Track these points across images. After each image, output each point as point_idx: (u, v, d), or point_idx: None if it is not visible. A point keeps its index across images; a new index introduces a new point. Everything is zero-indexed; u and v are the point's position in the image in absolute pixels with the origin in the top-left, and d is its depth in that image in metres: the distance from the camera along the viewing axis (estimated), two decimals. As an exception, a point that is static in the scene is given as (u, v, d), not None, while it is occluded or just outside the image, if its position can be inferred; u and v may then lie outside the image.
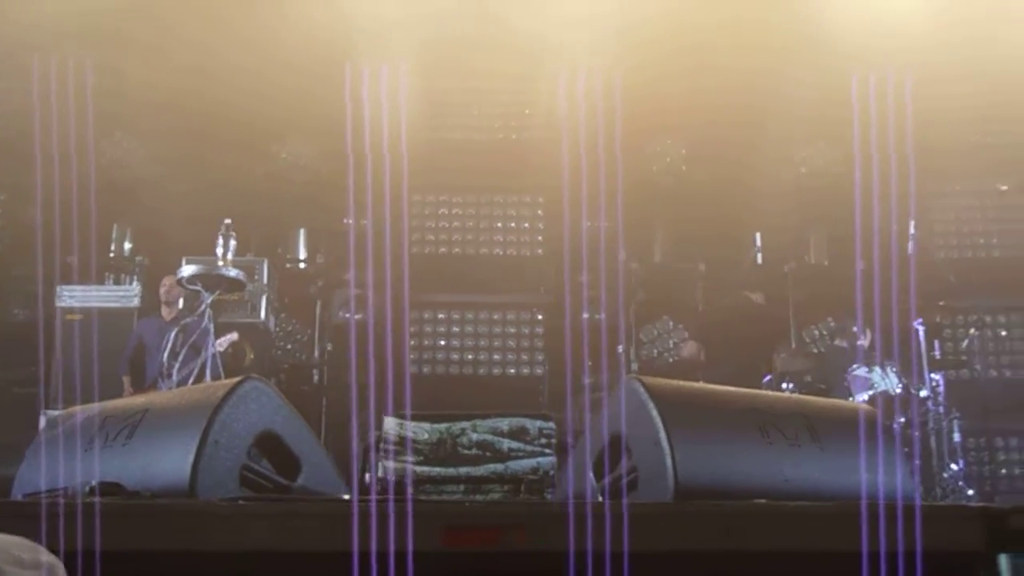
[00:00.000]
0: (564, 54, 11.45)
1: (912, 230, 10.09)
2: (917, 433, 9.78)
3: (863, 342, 10.09)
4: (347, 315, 11.76)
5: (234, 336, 9.94)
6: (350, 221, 11.81)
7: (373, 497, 3.81)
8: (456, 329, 12.25)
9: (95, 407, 4.74)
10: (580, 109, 10.84)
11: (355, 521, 3.16)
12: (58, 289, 11.03)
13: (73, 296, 11.01)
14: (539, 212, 12.39)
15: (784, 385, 10.27)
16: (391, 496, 4.07)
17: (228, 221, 8.96)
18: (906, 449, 9.36)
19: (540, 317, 12.22)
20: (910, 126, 9.85)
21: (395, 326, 11.50)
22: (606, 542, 3.20)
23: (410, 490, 4.85)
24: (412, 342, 12.00)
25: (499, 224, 12.47)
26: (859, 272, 10.37)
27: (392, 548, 3.16)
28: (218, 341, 9.18)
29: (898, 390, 9.78)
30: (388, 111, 10.68)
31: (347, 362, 11.10)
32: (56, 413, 8.78)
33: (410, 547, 3.12)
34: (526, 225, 12.41)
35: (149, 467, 4.14)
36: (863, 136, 10.02)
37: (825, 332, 12.35)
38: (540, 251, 12.42)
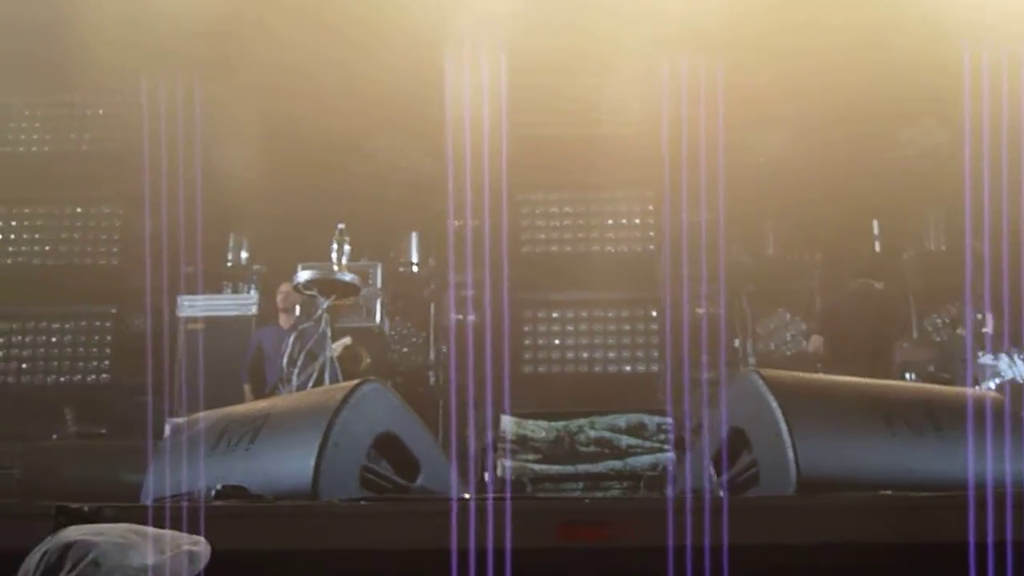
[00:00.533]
0: (664, 45, 11.36)
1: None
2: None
3: (988, 329, 9.82)
4: (459, 317, 11.81)
5: (347, 340, 10.04)
6: (457, 222, 11.87)
7: (490, 495, 3.81)
8: (570, 328, 12.19)
9: (218, 412, 4.82)
10: (683, 101, 10.76)
11: (451, 519, 3.16)
12: (178, 299, 11.27)
13: (193, 305, 11.25)
14: (649, 207, 12.27)
15: (907, 376, 10.06)
16: (507, 494, 4.08)
17: (342, 226, 9.05)
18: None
19: (654, 313, 12.09)
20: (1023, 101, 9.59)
21: (507, 326, 11.52)
22: (723, 535, 3.16)
23: (529, 488, 4.85)
24: (526, 342, 12.00)
25: (609, 221, 12.37)
26: (970, 256, 10.17)
27: (508, 544, 3.16)
28: (333, 346, 9.28)
29: (1026, 377, 9.53)
30: (488, 108, 10.73)
31: (462, 363, 11.16)
32: (180, 420, 9.00)
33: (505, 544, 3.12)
34: (636, 221, 12.29)
35: (272, 470, 4.21)
36: (974, 113, 9.80)
37: (947, 320, 12.06)
38: (651, 246, 12.29)
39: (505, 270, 10.69)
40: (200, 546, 2.26)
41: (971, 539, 3.12)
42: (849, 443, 4.11)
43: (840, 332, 9.81)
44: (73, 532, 2.20)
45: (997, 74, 9.31)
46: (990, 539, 3.13)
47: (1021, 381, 9.51)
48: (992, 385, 9.49)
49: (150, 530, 2.25)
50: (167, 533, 2.27)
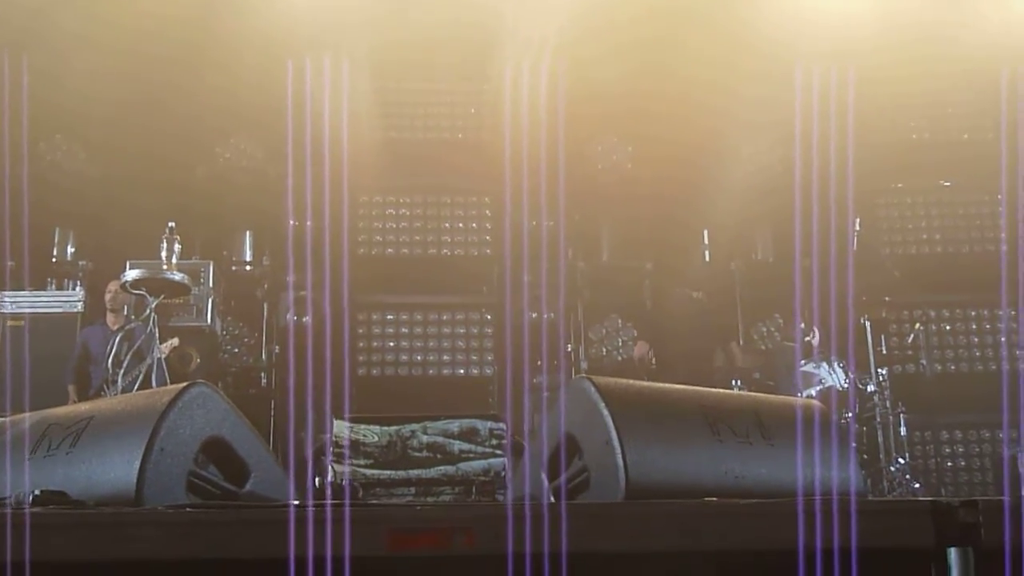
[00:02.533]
0: (509, 52, 11.44)
1: (856, 226, 10.16)
2: (864, 428, 9.88)
3: (814, 339, 10.15)
4: (293, 318, 11.69)
5: (175, 341, 9.84)
6: (294, 222, 11.75)
7: (320, 502, 3.77)
8: (405, 330, 12.19)
9: (40, 414, 4.66)
10: (523, 108, 10.85)
11: (292, 527, 3.12)
12: (1, 295, 10.90)
13: (15, 301, 10.88)
14: (487, 212, 12.36)
15: (733, 382, 10.33)
16: (338, 500, 4.03)
17: (172, 225, 8.88)
18: (853, 444, 9.45)
19: (489, 317, 12.18)
20: (851, 120, 9.96)
21: (341, 328, 11.44)
22: (562, 542, 3.18)
23: (360, 493, 4.82)
24: (360, 344, 11.95)
25: (447, 224, 12.42)
26: (799, 269, 10.51)
27: (337, 553, 3.12)
28: (161, 346, 9.09)
29: (845, 385, 9.86)
30: (330, 109, 10.66)
31: (294, 365, 11.04)
32: (1, 420, 8.68)
33: (346, 551, 3.09)
34: (474, 225, 12.37)
35: (94, 475, 4.08)
36: (804, 128, 10.13)
37: (773, 329, 12.43)
38: (488, 251, 12.38)
39: (329, 272, 10.63)
40: None
41: (800, 546, 3.20)
42: (677, 449, 4.18)
43: (663, 339, 10.04)
44: None
45: (825, 90, 9.63)
46: (800, 545, 3.22)
47: (840, 389, 9.84)
48: (814, 392, 9.80)
49: None
50: None
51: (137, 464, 3.99)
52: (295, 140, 10.06)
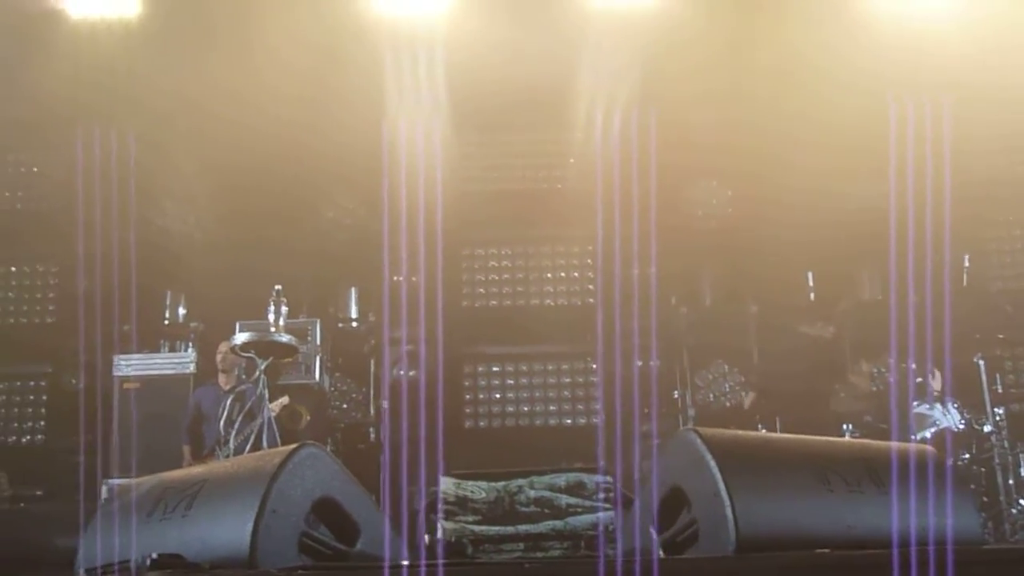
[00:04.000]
0: (598, 101, 11.47)
1: (966, 262, 9.95)
2: (983, 469, 9.62)
3: (933, 380, 9.92)
4: (400, 372, 11.78)
5: (285, 400, 9.98)
6: (398, 278, 11.87)
7: (431, 561, 3.78)
8: (510, 381, 12.20)
9: (155, 478, 4.75)
10: (615, 156, 10.85)
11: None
12: (115, 358, 11.17)
13: (130, 364, 11.14)
14: (588, 261, 12.33)
15: (844, 426, 10.12)
16: (448, 559, 4.05)
17: (279, 287, 9.02)
18: (972, 487, 9.21)
19: (593, 366, 12.13)
20: (947, 152, 9.76)
21: (447, 381, 11.50)
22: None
23: (469, 550, 4.83)
24: (467, 396, 11.98)
25: (549, 275, 12.42)
26: (912, 307, 10.29)
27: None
28: (271, 405, 9.22)
29: (961, 426, 9.63)
30: (425, 165, 10.78)
31: (395, 422, 11.13)
32: (116, 482, 8.88)
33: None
34: (576, 274, 12.35)
35: (208, 538, 4.15)
36: (900, 161, 9.96)
37: (883, 370, 12.19)
38: (591, 300, 12.35)
39: (440, 324, 10.70)
40: None
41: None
42: (787, 501, 4.12)
43: (771, 382, 9.81)
44: None
45: (921, 121, 9.47)
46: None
47: (956, 430, 9.61)
48: (928, 434, 9.58)
49: None
50: None
51: (250, 526, 4.04)
52: (391, 196, 10.19)
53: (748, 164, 12.09)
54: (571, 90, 11.77)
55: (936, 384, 9.96)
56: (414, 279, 11.72)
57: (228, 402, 9.14)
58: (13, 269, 12.37)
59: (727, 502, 3.97)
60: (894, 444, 4.98)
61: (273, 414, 9.12)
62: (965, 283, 9.88)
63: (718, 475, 4.05)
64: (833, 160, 11.87)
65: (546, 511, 4.91)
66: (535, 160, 12.87)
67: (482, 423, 12.05)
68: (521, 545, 4.86)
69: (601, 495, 4.88)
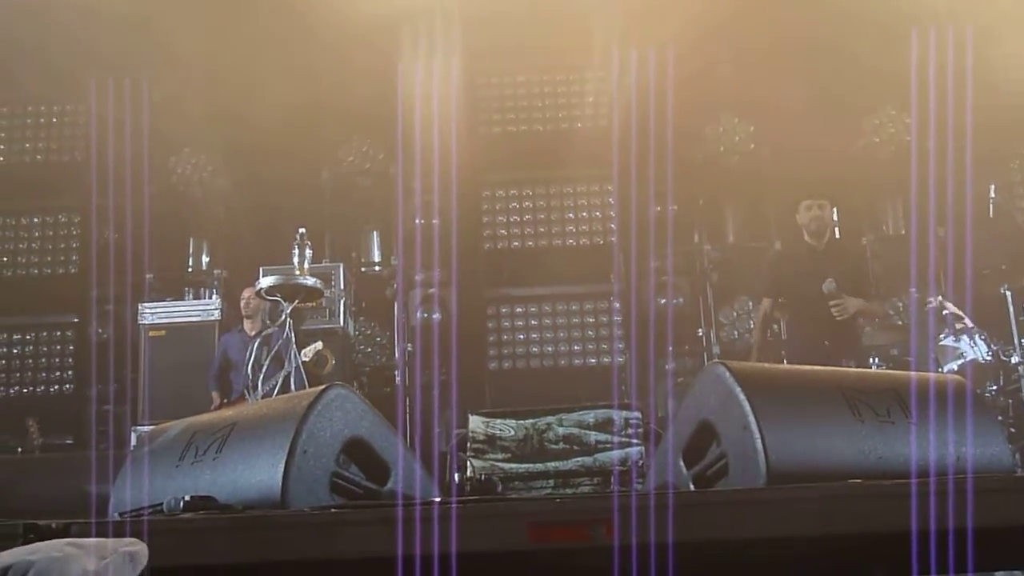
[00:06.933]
0: (614, 38, 11.38)
1: (992, 192, 9.84)
2: (1011, 401, 9.58)
3: (949, 311, 9.85)
4: (424, 315, 11.80)
5: (319, 345, 10.04)
6: (420, 221, 11.88)
7: (462, 498, 3.80)
8: (534, 322, 12.18)
9: (184, 422, 4.78)
10: (633, 94, 10.78)
11: (436, 524, 3.15)
12: (140, 307, 11.24)
13: (155, 312, 11.20)
14: (610, 200, 12.25)
15: (871, 359, 10.09)
16: (478, 496, 4.06)
17: (303, 231, 9.02)
18: (1000, 417, 9.18)
19: (617, 305, 12.09)
20: (970, 81, 9.65)
21: (470, 323, 11.53)
22: (704, 530, 3.16)
23: (499, 487, 4.85)
24: (490, 338, 11.99)
25: (571, 215, 12.35)
26: (933, 239, 10.20)
27: (480, 547, 3.15)
28: (303, 351, 9.27)
29: (988, 358, 9.58)
30: (440, 107, 10.74)
31: (427, 362, 11.16)
32: (145, 429, 8.95)
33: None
34: (597, 214, 12.27)
35: (240, 480, 4.17)
36: (921, 93, 9.85)
37: (909, 304, 12.13)
38: (613, 239, 12.29)
39: (455, 266, 10.68)
40: (138, 547, 2.31)
41: (950, 525, 3.13)
42: (818, 432, 4.11)
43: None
44: (7, 556, 2.20)
45: (943, 51, 9.36)
46: (950, 525, 3.15)
47: (983, 362, 9.56)
48: (955, 367, 9.54)
49: (89, 540, 2.29)
50: (106, 540, 2.31)
51: (281, 467, 4.06)
52: (407, 140, 10.16)
53: (770, 100, 12.00)
54: (587, 28, 11.67)
55: (947, 314, 9.87)
56: (435, 222, 11.73)
57: (255, 347, 9.19)
58: (36, 220, 12.39)
59: (757, 434, 3.96)
60: (924, 374, 4.97)
61: (307, 359, 9.19)
62: (991, 214, 9.77)
63: (748, 408, 4.03)
64: (854, 94, 11.77)
65: (575, 448, 4.92)
66: (553, 100, 12.78)
67: (507, 364, 12.05)
68: (551, 482, 4.87)
69: (629, 431, 4.88)
